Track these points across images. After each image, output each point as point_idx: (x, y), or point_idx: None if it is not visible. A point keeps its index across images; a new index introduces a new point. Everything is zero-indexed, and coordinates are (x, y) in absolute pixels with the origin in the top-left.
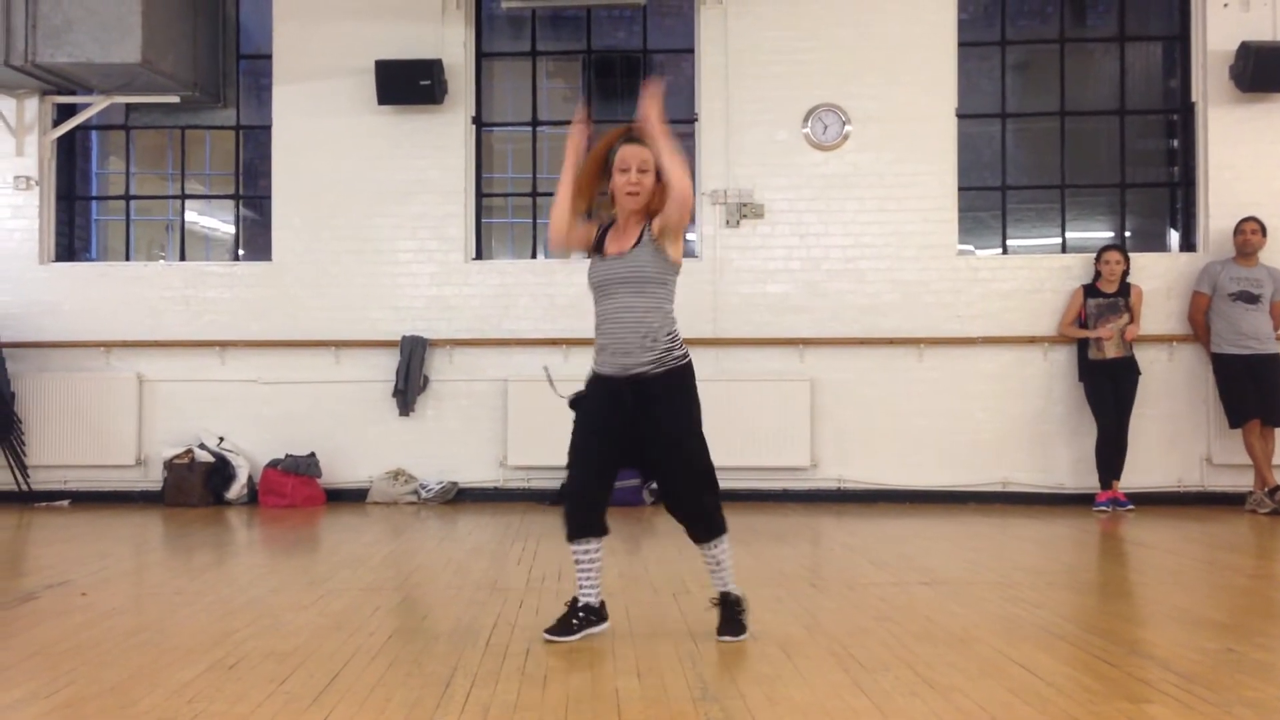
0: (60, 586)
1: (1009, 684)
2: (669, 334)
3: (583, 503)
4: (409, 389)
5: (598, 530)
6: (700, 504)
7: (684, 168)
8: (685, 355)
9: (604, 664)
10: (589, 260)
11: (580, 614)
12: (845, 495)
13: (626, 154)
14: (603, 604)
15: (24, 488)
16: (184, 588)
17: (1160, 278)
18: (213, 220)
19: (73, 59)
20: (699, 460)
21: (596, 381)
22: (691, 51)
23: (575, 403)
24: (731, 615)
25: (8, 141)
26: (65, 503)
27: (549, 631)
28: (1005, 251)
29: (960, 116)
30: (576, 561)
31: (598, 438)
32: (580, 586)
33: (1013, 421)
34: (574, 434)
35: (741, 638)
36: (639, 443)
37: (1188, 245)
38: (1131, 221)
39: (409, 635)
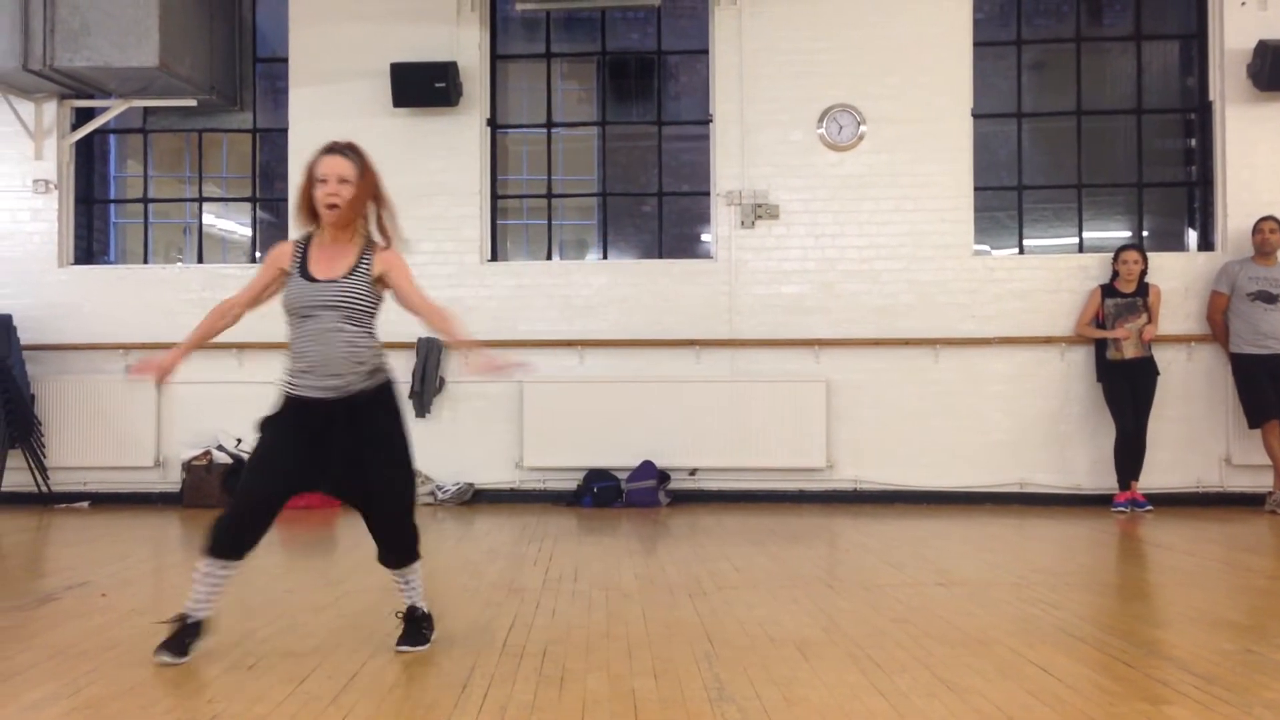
0: (80, 587)
1: (1027, 685)
2: (377, 354)
3: (246, 525)
4: (425, 391)
5: (243, 555)
6: (404, 528)
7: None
8: (390, 373)
9: (621, 665)
10: (289, 280)
11: (193, 632)
12: (861, 496)
13: (324, 166)
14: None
15: (44, 489)
16: None
17: (1178, 277)
18: (230, 223)
19: (91, 63)
20: (409, 485)
21: (293, 405)
22: (706, 52)
23: (265, 424)
24: (416, 629)
25: (27, 145)
26: (85, 504)
27: (161, 651)
28: (1022, 251)
29: (976, 116)
30: (208, 576)
31: (283, 465)
32: (197, 601)
33: (1030, 422)
34: (257, 455)
35: (421, 649)
36: (331, 465)
37: (1206, 245)
38: (1149, 221)
39: None
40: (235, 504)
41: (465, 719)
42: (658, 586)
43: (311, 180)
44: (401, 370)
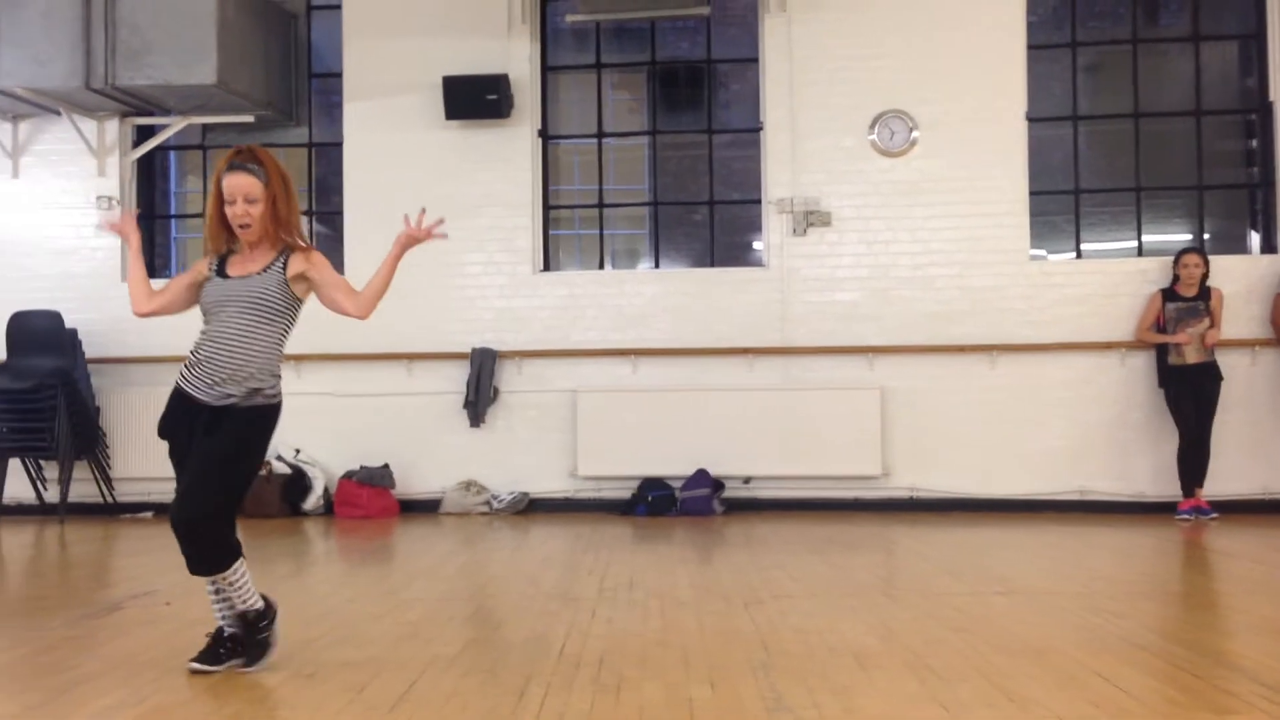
0: (145, 596)
1: (1090, 695)
2: (269, 369)
3: (182, 540)
4: (479, 400)
5: (228, 565)
6: (197, 536)
7: (383, 287)
8: (275, 397)
9: (677, 674)
10: (206, 284)
11: (228, 644)
12: (918, 504)
13: (230, 186)
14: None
15: (109, 500)
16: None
17: (1240, 280)
18: None
19: (151, 81)
20: (216, 496)
21: (177, 399)
22: (756, 60)
23: (160, 432)
24: (213, 649)
25: (90, 163)
26: (148, 514)
27: (194, 660)
28: (1079, 256)
29: (1031, 120)
30: (218, 592)
31: (182, 468)
32: (225, 618)
33: (1090, 429)
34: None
35: (212, 669)
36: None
37: (1269, 247)
38: (1210, 224)
39: (483, 645)
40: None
41: None
42: (713, 595)
43: (214, 199)
44: (456, 380)
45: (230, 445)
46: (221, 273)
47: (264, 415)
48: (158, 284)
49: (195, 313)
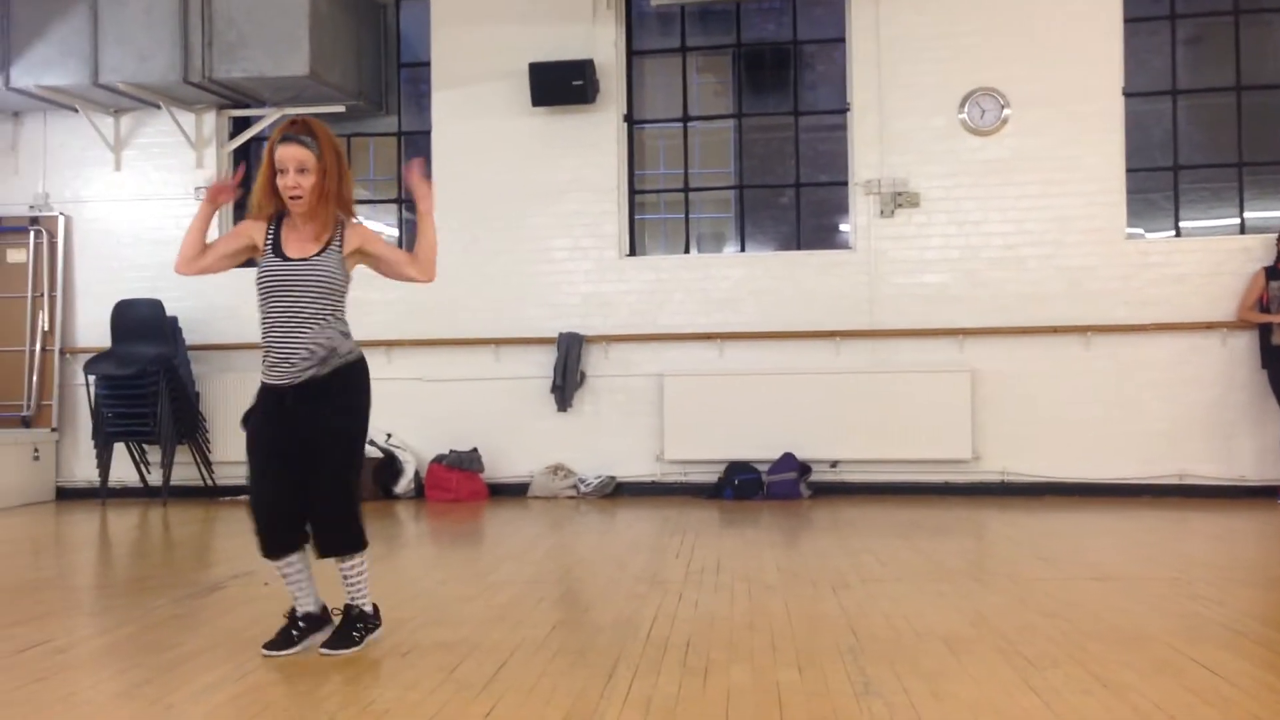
0: (244, 577)
1: (1188, 683)
2: (341, 335)
3: (271, 531)
4: (566, 385)
5: (297, 546)
6: (337, 513)
7: (434, 244)
8: (354, 351)
9: (765, 657)
10: (262, 259)
11: (301, 624)
12: (1009, 488)
13: (284, 155)
14: (325, 608)
15: (209, 483)
16: None
17: None
18: (377, 224)
19: (246, 74)
20: (347, 470)
21: (265, 393)
22: (842, 41)
23: (245, 419)
24: (346, 630)
25: (188, 155)
26: (246, 497)
27: (268, 646)
28: (1178, 234)
29: (1127, 95)
30: (283, 576)
31: (273, 468)
32: (295, 598)
33: (1190, 411)
34: (249, 453)
35: (344, 652)
36: (303, 447)
37: None
38: None
39: (572, 627)
40: (254, 513)
41: (611, 709)
42: (800, 579)
43: (266, 169)
44: (543, 365)
45: (330, 416)
46: (278, 251)
47: (349, 372)
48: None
49: None
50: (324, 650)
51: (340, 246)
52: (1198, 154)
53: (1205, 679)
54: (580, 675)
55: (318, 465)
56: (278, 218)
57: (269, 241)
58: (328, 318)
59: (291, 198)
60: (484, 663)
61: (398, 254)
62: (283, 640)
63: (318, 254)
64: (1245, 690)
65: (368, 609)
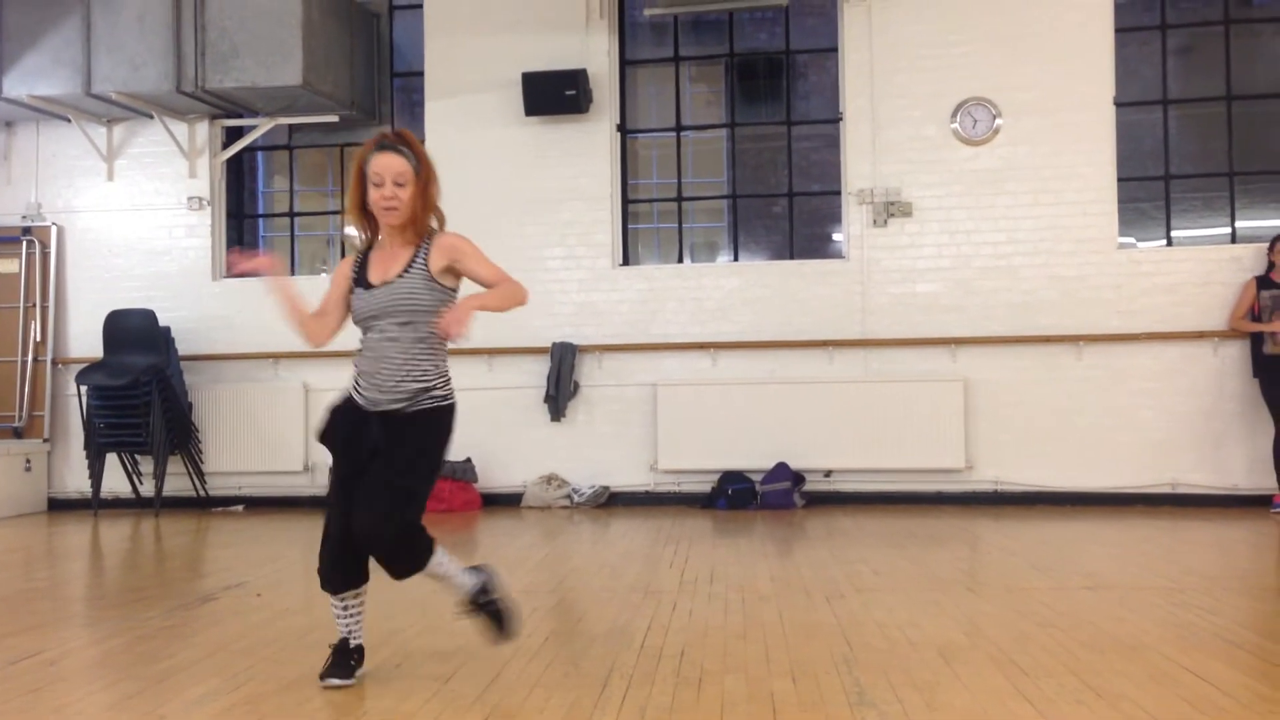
0: (237, 588)
1: (1182, 693)
2: (435, 369)
3: (337, 560)
4: (560, 394)
5: (364, 579)
6: (392, 542)
7: (516, 293)
8: (448, 397)
9: (758, 668)
10: (353, 293)
11: (355, 656)
12: (1003, 498)
13: (379, 166)
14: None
15: (202, 493)
16: None
17: None
18: None
19: (239, 83)
20: (402, 507)
21: (347, 409)
22: (835, 50)
23: (324, 438)
24: (494, 619)
25: (181, 164)
26: (239, 508)
27: (332, 675)
28: (1170, 243)
29: (1119, 105)
30: (346, 608)
31: (351, 481)
32: (350, 631)
33: (1181, 420)
34: (330, 485)
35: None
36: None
37: None
38: None
39: (566, 636)
40: (322, 540)
41: (605, 719)
42: (794, 589)
43: (363, 179)
44: (536, 375)
45: (405, 455)
46: (363, 282)
47: (434, 417)
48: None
49: (269, 313)
50: (329, 680)
51: (425, 265)
52: (1189, 163)
53: (1199, 688)
54: (574, 685)
55: (379, 483)
56: (368, 248)
57: (354, 273)
58: (418, 344)
59: (386, 209)
60: (478, 673)
61: (486, 279)
62: (345, 669)
63: (400, 275)
64: (1239, 700)
65: (476, 588)
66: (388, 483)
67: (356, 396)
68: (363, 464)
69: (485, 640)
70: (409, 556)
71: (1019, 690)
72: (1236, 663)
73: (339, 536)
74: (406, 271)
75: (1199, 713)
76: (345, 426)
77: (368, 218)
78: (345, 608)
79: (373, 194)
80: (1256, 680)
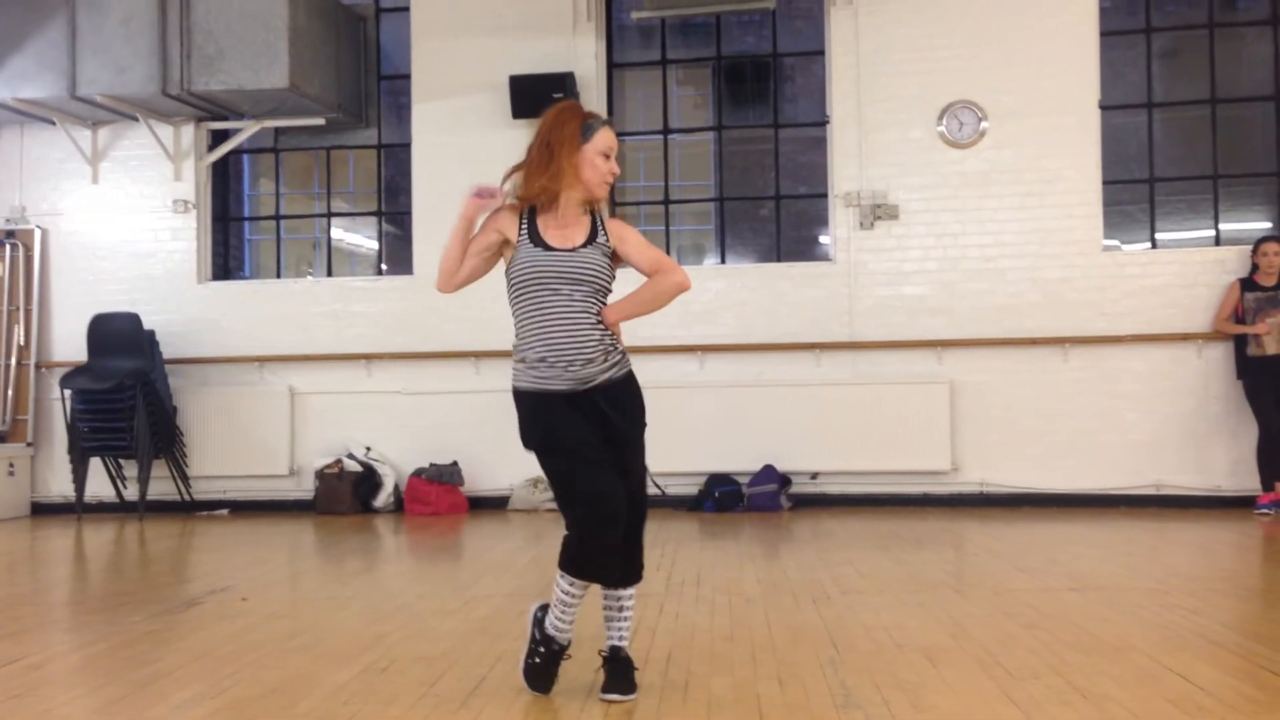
0: (222, 592)
1: (1166, 693)
2: (613, 339)
3: (617, 532)
4: None
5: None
6: (641, 533)
7: (659, 292)
8: (629, 362)
9: (745, 670)
10: (518, 248)
11: (634, 664)
12: (988, 499)
13: (610, 140)
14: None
15: (186, 498)
16: (337, 593)
17: None
18: (357, 237)
19: (225, 86)
20: (644, 482)
21: (556, 400)
22: (822, 53)
23: (543, 441)
24: (626, 670)
25: (166, 167)
26: (224, 511)
27: (614, 691)
28: (1154, 246)
29: (1104, 108)
30: (574, 601)
31: (600, 463)
32: (568, 628)
33: (1166, 422)
34: (567, 473)
35: (631, 696)
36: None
37: None
38: None
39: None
40: (592, 524)
41: None
42: (781, 591)
43: (576, 147)
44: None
45: (640, 437)
46: (537, 240)
47: (634, 382)
48: None
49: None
50: (613, 696)
51: (606, 241)
52: (1173, 166)
53: (1184, 689)
54: (560, 689)
55: (629, 475)
56: (530, 210)
57: (524, 230)
58: (595, 315)
59: (607, 183)
60: (464, 677)
61: (644, 266)
62: (628, 684)
63: (584, 245)
64: (1223, 700)
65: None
66: (640, 480)
67: (554, 382)
68: (597, 441)
69: (603, 691)
70: (641, 553)
71: (1004, 691)
72: (1221, 663)
73: (614, 513)
74: (590, 244)
75: (1183, 713)
76: (572, 415)
77: (558, 186)
78: (576, 600)
79: (600, 164)
80: (1241, 681)
